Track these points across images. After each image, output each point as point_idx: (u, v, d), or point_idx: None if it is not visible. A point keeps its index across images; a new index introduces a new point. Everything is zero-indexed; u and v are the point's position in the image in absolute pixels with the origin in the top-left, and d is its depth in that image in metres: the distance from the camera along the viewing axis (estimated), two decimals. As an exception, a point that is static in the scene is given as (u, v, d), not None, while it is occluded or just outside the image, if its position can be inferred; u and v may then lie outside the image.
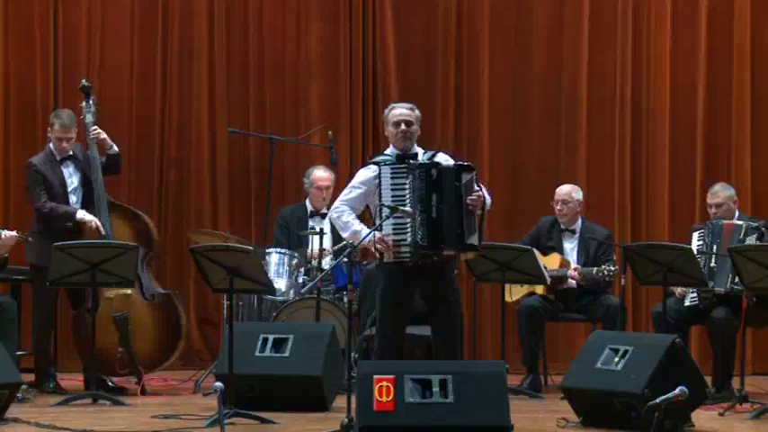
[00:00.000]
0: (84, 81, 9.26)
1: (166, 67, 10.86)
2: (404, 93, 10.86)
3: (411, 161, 7.68)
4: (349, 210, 7.78)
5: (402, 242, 7.57)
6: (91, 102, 9.12)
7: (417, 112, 7.86)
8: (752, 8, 10.82)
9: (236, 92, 10.92)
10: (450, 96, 10.89)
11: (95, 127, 9.03)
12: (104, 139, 9.04)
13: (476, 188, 7.59)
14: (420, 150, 7.85)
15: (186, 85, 10.89)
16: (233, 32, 10.93)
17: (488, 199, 7.77)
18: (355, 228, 7.71)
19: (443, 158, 7.83)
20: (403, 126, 7.77)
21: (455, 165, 7.69)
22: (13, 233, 8.58)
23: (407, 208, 7.51)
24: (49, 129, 9.04)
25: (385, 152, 7.91)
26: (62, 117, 8.98)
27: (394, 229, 7.56)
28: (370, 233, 7.51)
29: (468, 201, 7.54)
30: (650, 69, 10.88)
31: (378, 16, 10.94)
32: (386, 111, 7.94)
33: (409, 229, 7.55)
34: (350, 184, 7.91)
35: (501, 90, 10.96)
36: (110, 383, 8.97)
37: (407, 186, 7.59)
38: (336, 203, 7.89)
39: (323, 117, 10.77)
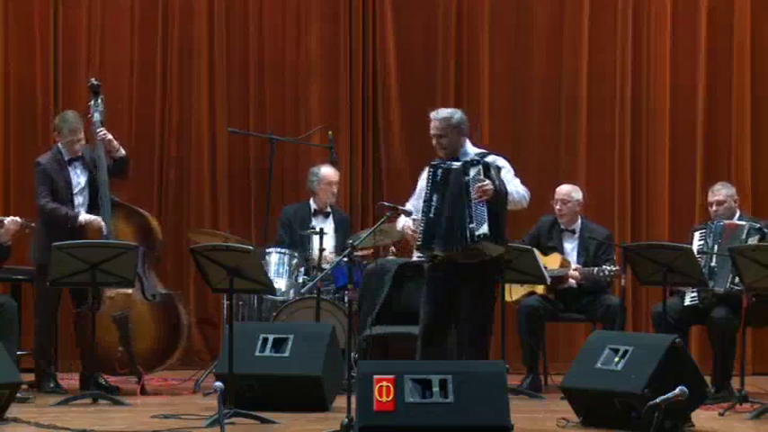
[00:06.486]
0: (93, 80, 9.25)
1: (166, 67, 10.86)
2: (404, 93, 10.88)
3: (434, 162, 7.71)
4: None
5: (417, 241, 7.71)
6: (99, 100, 9.11)
7: (444, 119, 7.72)
8: (752, 8, 10.82)
9: (236, 92, 10.92)
10: (450, 96, 10.87)
11: (102, 128, 9.02)
12: (111, 140, 9.02)
13: (483, 179, 7.51)
14: (472, 151, 7.79)
15: (186, 85, 10.88)
16: (233, 32, 10.93)
17: (514, 192, 7.74)
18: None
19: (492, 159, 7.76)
20: (434, 141, 7.78)
21: (462, 163, 7.61)
22: (17, 219, 8.59)
23: (407, 208, 7.54)
24: (56, 134, 9.02)
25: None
26: (69, 120, 8.95)
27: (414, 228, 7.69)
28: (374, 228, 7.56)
29: (473, 194, 7.49)
30: (650, 69, 10.88)
31: (378, 16, 10.93)
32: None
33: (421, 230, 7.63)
34: None
35: (501, 90, 10.96)
36: (102, 382, 8.94)
37: (426, 187, 7.66)
38: None
39: (323, 117, 10.76)
